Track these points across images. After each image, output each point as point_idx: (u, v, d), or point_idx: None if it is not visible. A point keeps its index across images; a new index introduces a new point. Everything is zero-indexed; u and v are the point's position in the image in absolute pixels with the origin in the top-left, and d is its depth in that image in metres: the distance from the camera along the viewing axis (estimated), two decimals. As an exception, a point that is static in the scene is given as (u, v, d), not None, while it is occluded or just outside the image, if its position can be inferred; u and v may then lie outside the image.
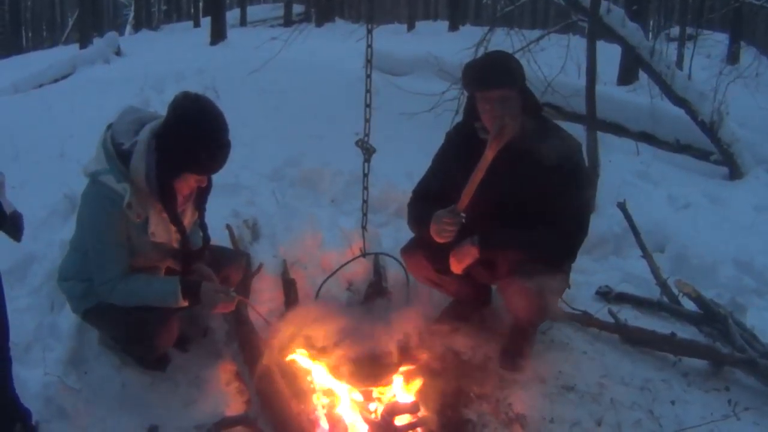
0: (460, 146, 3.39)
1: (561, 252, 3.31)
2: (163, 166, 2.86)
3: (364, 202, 3.05)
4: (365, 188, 3.04)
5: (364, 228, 3.14)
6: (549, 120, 3.33)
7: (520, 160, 3.18)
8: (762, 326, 3.93)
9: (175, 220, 3.01)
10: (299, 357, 3.21)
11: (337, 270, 3.12)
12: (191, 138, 2.80)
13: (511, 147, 3.17)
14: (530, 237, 3.22)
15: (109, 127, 2.99)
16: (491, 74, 3.10)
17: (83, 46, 17.16)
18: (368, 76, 2.81)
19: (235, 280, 3.55)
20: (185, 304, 3.04)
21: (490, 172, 3.17)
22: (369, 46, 2.81)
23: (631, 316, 3.97)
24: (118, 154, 2.88)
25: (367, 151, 3.00)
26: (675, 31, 15.44)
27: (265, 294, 3.90)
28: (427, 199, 3.45)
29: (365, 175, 2.97)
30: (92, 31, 19.10)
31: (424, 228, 3.28)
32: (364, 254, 3.16)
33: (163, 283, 3.09)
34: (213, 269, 3.26)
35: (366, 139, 2.98)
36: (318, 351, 3.09)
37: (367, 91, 2.81)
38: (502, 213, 3.25)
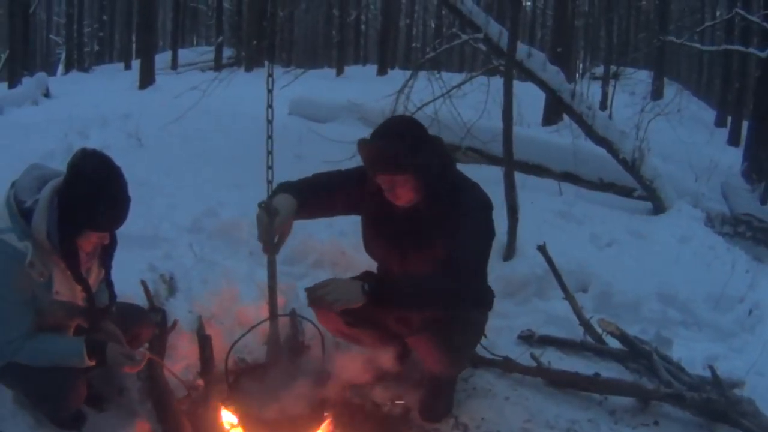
0: (361, 185, 3.34)
1: (449, 295, 3.06)
2: (64, 224, 2.80)
3: (270, 263, 2.99)
4: (270, 253, 2.97)
5: (272, 289, 3.07)
6: (459, 179, 3.25)
7: (422, 223, 3.16)
8: (689, 357, 3.97)
9: (79, 278, 2.94)
10: (215, 417, 3.11)
11: (244, 335, 3.07)
12: (89, 195, 2.76)
13: (416, 210, 3.16)
14: (419, 282, 3.10)
15: (13, 185, 2.93)
16: (375, 162, 3.05)
17: (12, 85, 16.82)
18: (269, 137, 2.71)
19: (145, 338, 3.48)
20: (91, 364, 2.96)
21: (397, 231, 3.22)
22: (269, 106, 2.71)
23: (555, 358, 3.97)
24: (20, 211, 2.83)
25: (270, 214, 2.94)
26: (600, 70, 15.89)
27: (180, 350, 3.79)
28: (310, 185, 3.37)
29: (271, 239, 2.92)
30: (22, 71, 18.76)
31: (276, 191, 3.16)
32: (273, 317, 3.10)
33: (68, 343, 3.01)
34: (122, 327, 3.18)
35: (270, 201, 2.92)
36: (233, 411, 2.99)
37: (269, 152, 2.72)
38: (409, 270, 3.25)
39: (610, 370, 3.83)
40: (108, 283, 3.19)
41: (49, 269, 2.87)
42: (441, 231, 3.09)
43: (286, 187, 3.20)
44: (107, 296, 3.20)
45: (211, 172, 6.74)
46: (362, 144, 3.05)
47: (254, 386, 3.02)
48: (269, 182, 2.82)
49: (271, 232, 3.00)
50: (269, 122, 2.74)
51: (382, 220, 3.31)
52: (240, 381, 3.09)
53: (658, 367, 3.69)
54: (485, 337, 3.63)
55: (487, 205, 3.21)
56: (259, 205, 2.97)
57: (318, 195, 3.36)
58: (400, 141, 3.01)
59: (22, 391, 3.15)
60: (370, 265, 3.64)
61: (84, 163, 2.82)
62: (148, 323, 3.51)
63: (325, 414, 3.01)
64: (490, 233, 3.20)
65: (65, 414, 3.17)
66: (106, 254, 3.13)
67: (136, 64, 21.25)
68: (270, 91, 2.74)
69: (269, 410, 2.88)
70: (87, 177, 2.79)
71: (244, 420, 2.94)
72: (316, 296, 2.94)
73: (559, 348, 4.17)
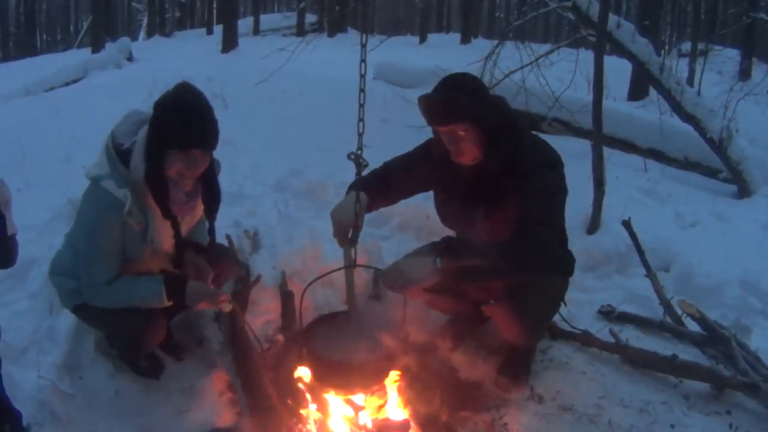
0: (435, 156, 3.36)
1: (526, 261, 2.99)
2: (148, 148, 2.85)
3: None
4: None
5: (354, 241, 3.13)
6: (527, 137, 3.24)
7: (490, 181, 3.16)
8: (767, 348, 3.85)
9: (166, 210, 2.94)
10: (293, 368, 3.17)
11: (324, 275, 3.10)
12: (168, 112, 2.82)
13: (482, 169, 3.16)
14: (495, 251, 3.01)
15: (112, 131, 3.00)
16: (435, 113, 3.07)
17: (95, 50, 17.16)
18: (362, 90, 2.79)
19: (227, 276, 3.55)
20: (170, 304, 3.04)
21: (467, 193, 3.24)
22: (363, 60, 2.78)
23: (633, 337, 3.93)
24: (118, 154, 2.89)
25: (359, 164, 2.98)
26: (687, 46, 15.42)
27: (262, 305, 3.90)
28: (381, 179, 3.47)
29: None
30: (105, 36, 19.12)
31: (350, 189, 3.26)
32: (352, 266, 3.13)
33: (147, 282, 3.05)
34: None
35: (359, 152, 2.95)
36: (311, 362, 3.04)
37: (361, 105, 2.79)
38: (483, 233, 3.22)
39: (687, 354, 3.76)
40: (211, 230, 3.25)
41: (146, 217, 2.93)
42: (510, 191, 3.07)
43: (357, 185, 3.23)
44: (205, 238, 3.27)
45: (296, 134, 6.81)
46: (422, 98, 3.08)
47: (329, 334, 3.05)
48: (359, 135, 2.85)
49: (345, 229, 3.12)
50: (362, 76, 2.79)
51: (451, 185, 3.34)
52: (315, 328, 3.10)
53: (736, 354, 3.60)
54: (564, 304, 3.61)
55: (555, 161, 3.18)
56: (349, 157, 3.01)
57: (388, 185, 3.45)
58: (458, 91, 3.04)
59: (98, 328, 3.29)
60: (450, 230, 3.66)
61: (170, 91, 2.89)
62: (233, 263, 3.59)
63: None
64: (562, 189, 3.15)
65: (140, 353, 3.28)
66: (210, 205, 3.17)
67: (217, 29, 21.48)
68: (363, 46, 2.77)
69: (340, 355, 2.90)
70: (168, 99, 2.85)
71: (314, 364, 2.97)
72: (389, 283, 2.97)
73: (638, 326, 4.12)
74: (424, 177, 3.47)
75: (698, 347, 3.90)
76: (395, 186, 3.50)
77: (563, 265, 3.42)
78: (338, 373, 2.87)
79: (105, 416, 3.10)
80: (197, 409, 3.16)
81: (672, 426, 3.20)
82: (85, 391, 3.20)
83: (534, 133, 3.39)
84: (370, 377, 2.92)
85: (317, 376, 2.96)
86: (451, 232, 3.68)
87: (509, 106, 3.31)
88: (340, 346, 2.93)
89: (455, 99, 3.00)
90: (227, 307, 3.13)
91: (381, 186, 3.43)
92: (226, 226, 4.37)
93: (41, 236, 4.25)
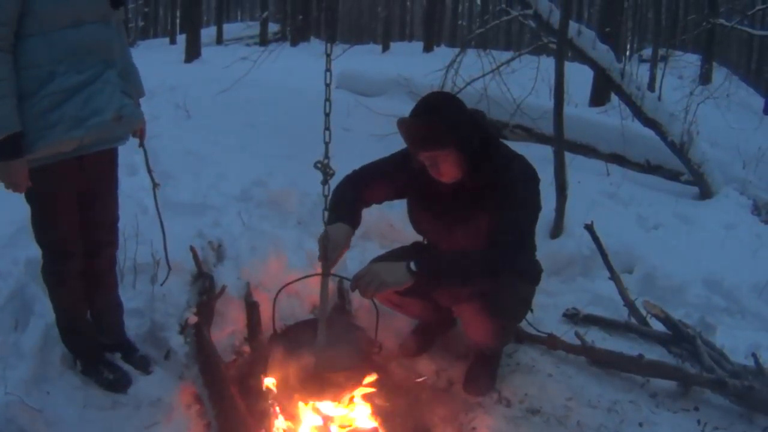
0: (404, 167, 3.35)
1: (496, 269, 3.02)
2: None
3: (326, 223, 3.02)
4: (325, 209, 3.01)
5: (334, 262, 3.10)
6: (503, 152, 3.24)
7: (468, 197, 3.17)
8: (732, 345, 3.92)
9: None
10: (260, 379, 3.14)
11: (294, 282, 3.07)
12: None
13: (461, 185, 3.16)
14: (466, 258, 3.04)
15: None
16: (416, 140, 3.04)
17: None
18: (327, 100, 2.79)
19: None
20: None
21: (443, 208, 3.24)
22: (327, 70, 2.79)
23: (598, 338, 3.95)
24: None
25: (326, 174, 2.96)
26: (648, 52, 15.64)
27: (228, 316, 3.86)
28: (356, 187, 3.43)
29: (325, 197, 2.95)
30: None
31: (333, 216, 3.21)
32: (326, 274, 3.10)
33: (5, 118, 2.70)
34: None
35: (326, 161, 2.94)
36: (279, 372, 3.02)
37: (326, 114, 2.79)
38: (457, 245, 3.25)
39: (652, 353, 3.80)
40: None
41: None
42: (487, 204, 3.08)
43: (338, 209, 3.23)
44: None
45: (259, 143, 6.76)
46: (401, 123, 3.04)
47: (299, 343, 3.02)
48: (326, 144, 2.85)
49: (330, 255, 3.06)
50: (327, 85, 2.79)
51: (427, 198, 3.32)
52: (286, 336, 3.07)
53: (701, 352, 3.66)
54: (531, 311, 3.64)
55: (532, 177, 3.19)
56: (315, 166, 2.99)
57: (363, 193, 3.43)
58: (439, 117, 3.00)
59: None
60: (418, 237, 3.66)
61: None
62: None
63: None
64: (537, 205, 3.17)
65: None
66: None
67: (181, 38, 21.38)
68: (328, 55, 2.77)
69: (314, 363, 2.87)
70: None
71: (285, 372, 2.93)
72: (363, 285, 2.92)
73: (603, 328, 4.16)
74: (400, 186, 3.45)
75: (664, 346, 3.95)
76: (370, 191, 3.47)
77: (533, 272, 3.45)
78: (310, 382, 2.86)
79: (74, 431, 3.05)
80: (166, 422, 3.11)
81: (640, 424, 3.22)
82: (53, 406, 3.13)
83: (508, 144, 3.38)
84: (341, 386, 2.91)
85: (287, 384, 2.94)
86: (418, 238, 3.68)
87: (487, 121, 3.31)
88: (312, 356, 2.91)
89: (436, 125, 2.97)
90: None
91: (359, 199, 3.41)
92: (190, 237, 4.34)
93: (5, 250, 4.18)
